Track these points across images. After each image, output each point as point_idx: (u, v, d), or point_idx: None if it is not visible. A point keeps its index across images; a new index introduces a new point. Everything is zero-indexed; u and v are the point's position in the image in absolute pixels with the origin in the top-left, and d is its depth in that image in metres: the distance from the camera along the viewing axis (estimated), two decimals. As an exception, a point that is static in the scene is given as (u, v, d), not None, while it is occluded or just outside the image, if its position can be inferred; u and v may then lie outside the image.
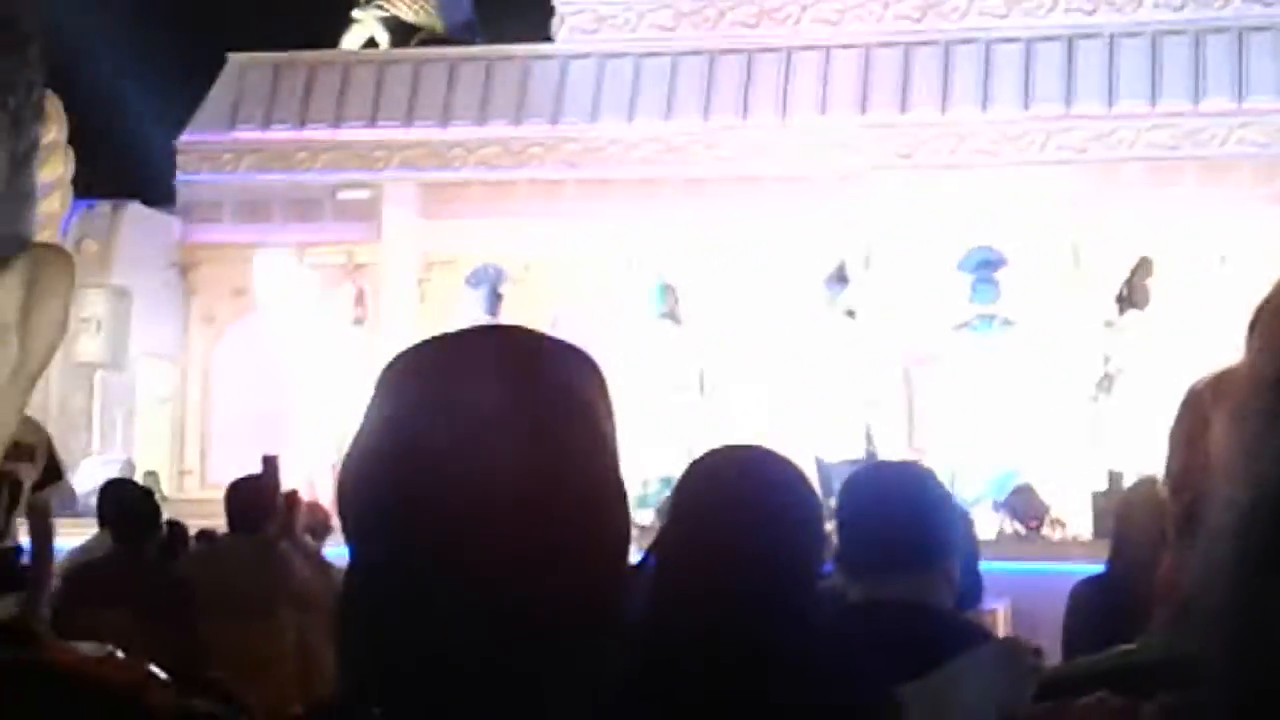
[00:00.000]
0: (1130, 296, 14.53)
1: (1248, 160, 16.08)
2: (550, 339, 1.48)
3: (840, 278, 15.12)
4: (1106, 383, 14.44)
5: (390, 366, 1.42)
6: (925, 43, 17.00)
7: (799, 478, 2.75)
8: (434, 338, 1.47)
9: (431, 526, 1.32)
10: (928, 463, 14.56)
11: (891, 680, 2.67)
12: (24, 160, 0.62)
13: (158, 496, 9.49)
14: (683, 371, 15.68)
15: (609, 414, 1.42)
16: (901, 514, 3.26)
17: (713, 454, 2.83)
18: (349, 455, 1.41)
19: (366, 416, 1.40)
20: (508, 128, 17.54)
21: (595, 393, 1.42)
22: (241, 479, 7.95)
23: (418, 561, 1.33)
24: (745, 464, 2.76)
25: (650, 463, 13.37)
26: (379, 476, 1.37)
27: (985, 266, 15.02)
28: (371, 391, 1.41)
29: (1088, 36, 16.77)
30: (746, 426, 14.50)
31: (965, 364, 15.14)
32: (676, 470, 3.03)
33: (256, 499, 7.83)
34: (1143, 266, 14.60)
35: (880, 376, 15.32)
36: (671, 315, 15.77)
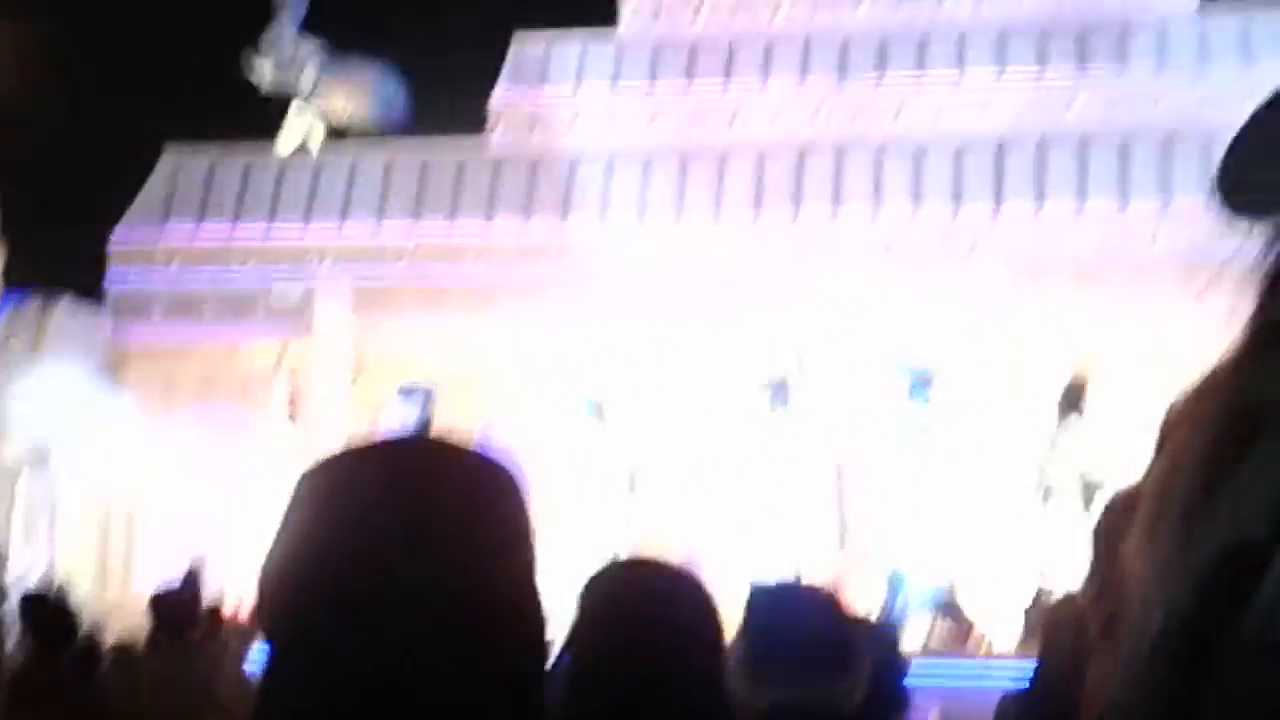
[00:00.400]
0: (1067, 405, 14.71)
1: (1175, 261, 16.26)
2: (469, 453, 1.49)
3: (780, 384, 15.25)
4: (1044, 493, 14.57)
5: (311, 475, 1.44)
6: (857, 144, 17.16)
7: (696, 586, 2.79)
8: (354, 449, 1.50)
9: (348, 630, 1.35)
10: (861, 568, 14.75)
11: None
12: None
13: (77, 604, 9.39)
14: (613, 473, 15.72)
15: (523, 522, 1.45)
16: (811, 625, 3.30)
17: (614, 567, 2.87)
18: (269, 560, 1.43)
19: (286, 523, 1.42)
20: (442, 225, 17.52)
21: (509, 503, 1.45)
22: (165, 589, 7.88)
23: (336, 662, 1.36)
24: (647, 577, 2.80)
25: (581, 563, 13.32)
26: (299, 582, 1.40)
27: (918, 378, 15.26)
28: (291, 498, 1.44)
29: (1018, 141, 16.99)
30: (677, 529, 14.54)
31: (899, 468, 15.25)
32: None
33: (178, 609, 7.77)
34: (1076, 383, 14.80)
35: (813, 479, 15.39)
36: (600, 419, 15.91)
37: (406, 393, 16.12)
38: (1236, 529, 0.51)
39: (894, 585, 14.32)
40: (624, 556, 3.00)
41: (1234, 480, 0.51)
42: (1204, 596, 0.51)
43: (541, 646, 1.47)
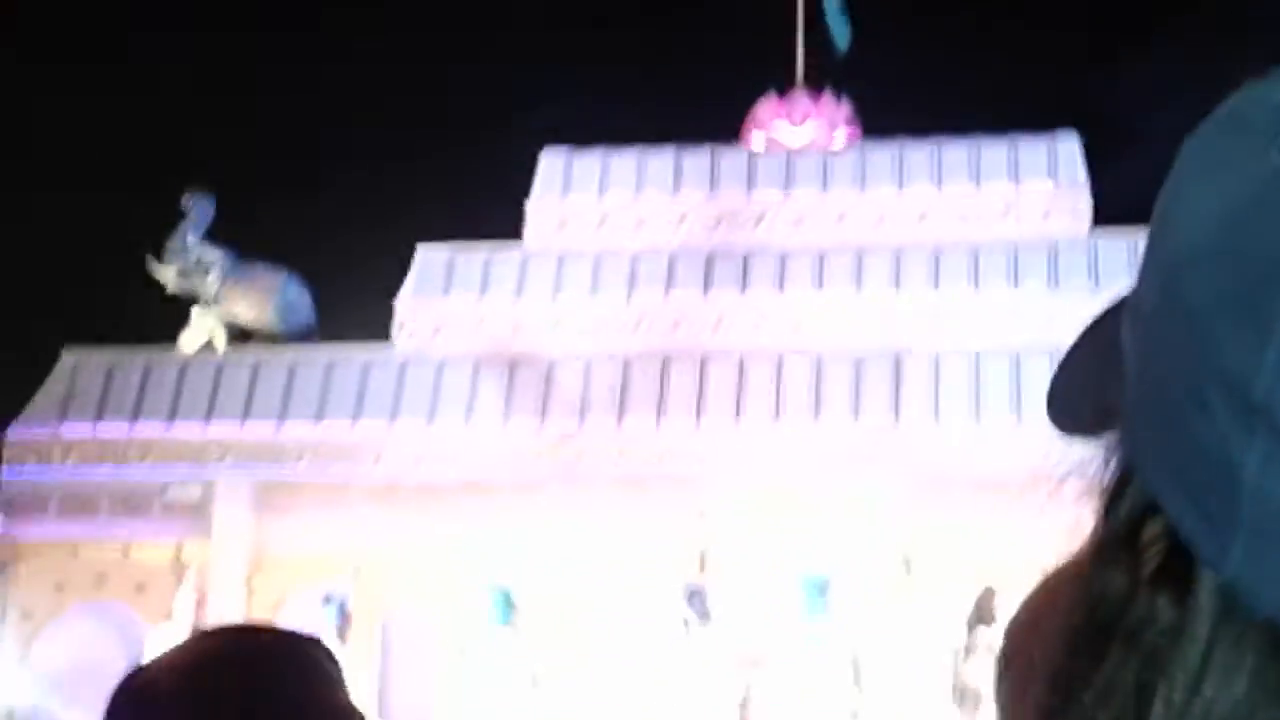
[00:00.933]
0: (978, 618, 14.82)
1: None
2: (280, 634, 1.66)
3: (697, 592, 15.37)
4: (960, 698, 14.59)
5: (140, 676, 1.56)
6: (760, 353, 17.41)
7: None
8: (178, 649, 1.62)
9: None
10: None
11: None
12: None
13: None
14: (519, 668, 15.65)
15: (332, 681, 1.58)
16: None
17: None
18: None
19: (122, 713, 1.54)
20: (345, 425, 17.53)
21: (316, 674, 1.58)
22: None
23: None
24: None
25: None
26: None
27: (814, 587, 15.44)
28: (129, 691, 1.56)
29: (914, 353, 17.29)
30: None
31: (800, 674, 15.30)
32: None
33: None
34: (986, 596, 14.95)
35: (721, 689, 15.36)
36: (512, 624, 15.92)
37: (327, 598, 16.14)
38: None
39: None
40: None
41: (1087, 691, 0.52)
42: None
43: None
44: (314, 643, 1.63)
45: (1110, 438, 0.53)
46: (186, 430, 17.69)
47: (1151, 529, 0.51)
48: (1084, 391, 0.55)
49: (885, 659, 15.42)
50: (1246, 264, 0.49)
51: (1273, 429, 0.47)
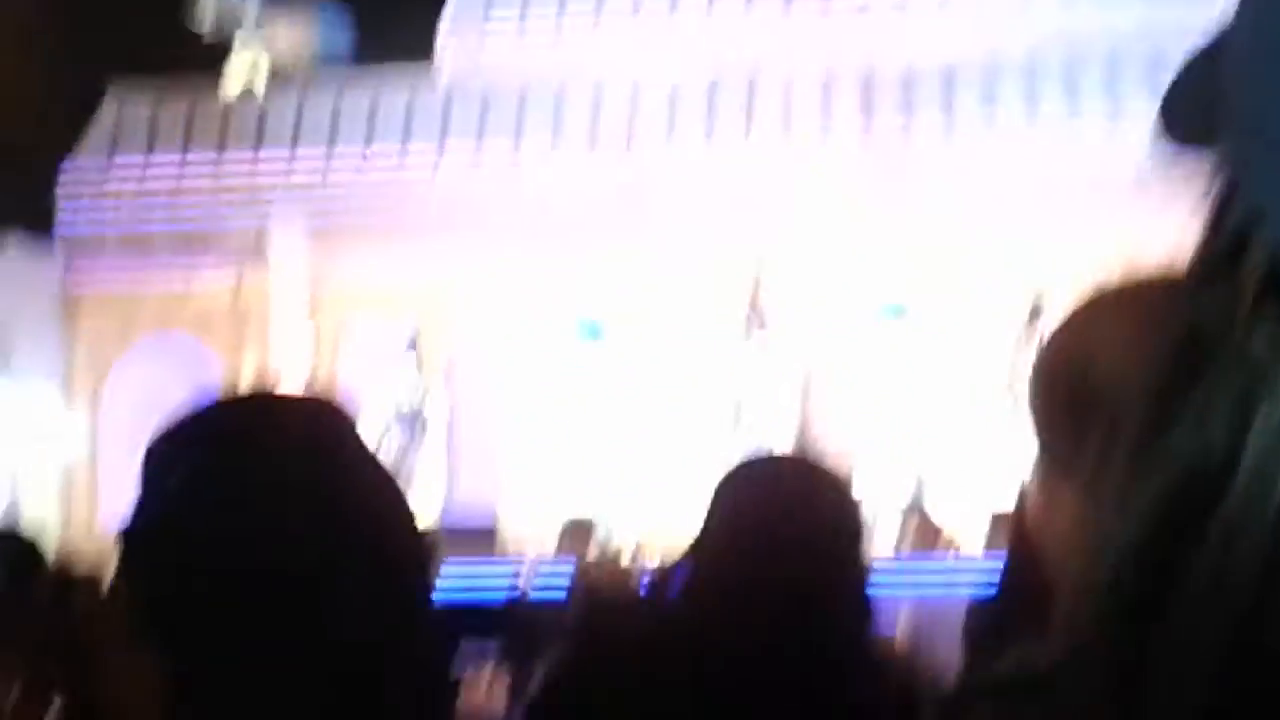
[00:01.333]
0: (1034, 316, 14.83)
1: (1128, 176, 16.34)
2: (305, 401, 1.67)
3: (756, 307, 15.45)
4: (1015, 398, 14.62)
5: (170, 432, 1.59)
6: (805, 73, 17.15)
7: (837, 482, 2.75)
8: (202, 411, 1.64)
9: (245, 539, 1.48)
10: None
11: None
12: None
13: (44, 541, 9.39)
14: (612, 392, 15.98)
15: (352, 446, 1.57)
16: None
17: (748, 464, 2.84)
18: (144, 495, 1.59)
19: (156, 466, 1.59)
20: (395, 155, 17.48)
21: (347, 438, 1.57)
22: (132, 524, 7.83)
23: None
24: (782, 471, 2.80)
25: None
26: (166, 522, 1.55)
27: (893, 313, 15.52)
28: (163, 444, 1.59)
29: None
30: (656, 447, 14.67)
31: (866, 377, 15.48)
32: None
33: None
34: (1041, 295, 14.93)
35: (784, 392, 15.55)
36: (596, 339, 16.13)
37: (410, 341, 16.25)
38: (1186, 462, 0.50)
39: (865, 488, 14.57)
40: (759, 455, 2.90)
41: (1183, 413, 0.51)
42: (1153, 535, 0.51)
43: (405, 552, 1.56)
44: (338, 414, 1.61)
45: (1220, 148, 0.50)
46: (237, 165, 17.65)
47: (1256, 249, 0.49)
48: (1187, 98, 0.52)
49: (948, 359, 15.52)
50: None
51: None
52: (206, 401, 1.63)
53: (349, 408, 1.60)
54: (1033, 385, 1.46)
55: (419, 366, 16.47)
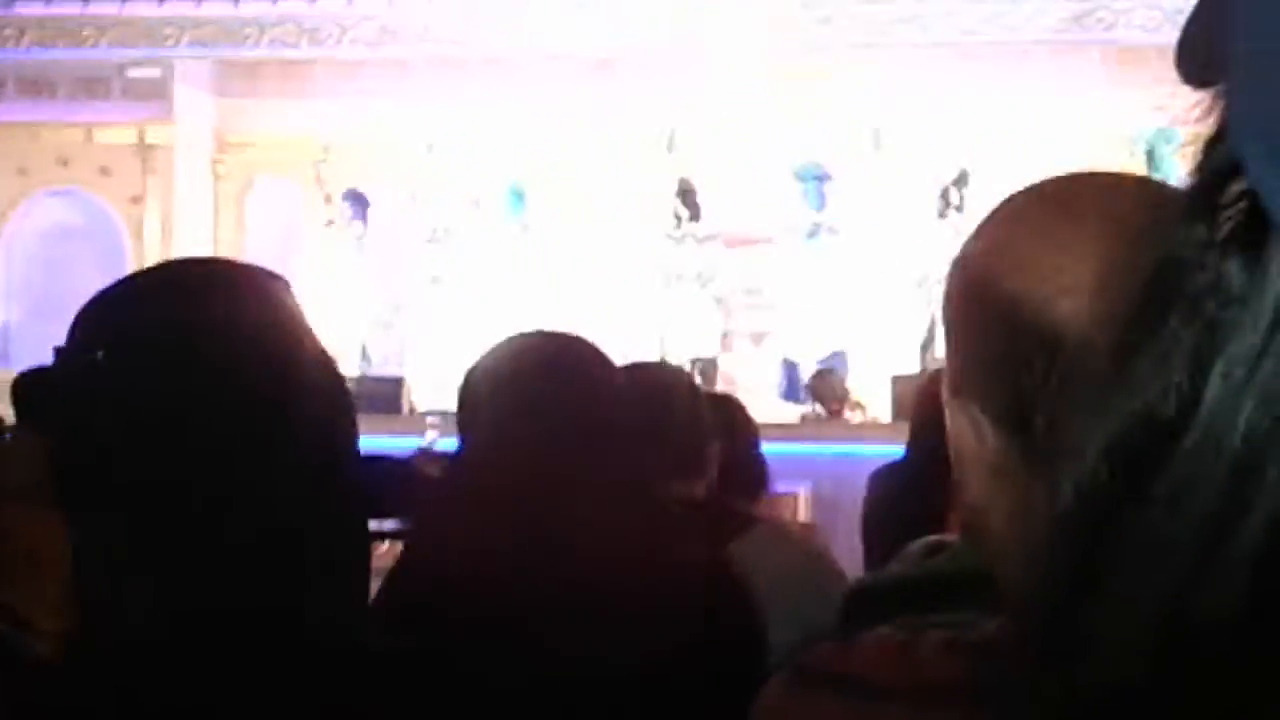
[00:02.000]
0: (952, 202, 14.86)
1: (1043, 46, 16.38)
2: (236, 265, 1.69)
3: (687, 194, 15.38)
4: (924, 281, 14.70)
5: (103, 298, 1.61)
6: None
7: (597, 356, 2.63)
8: (141, 273, 1.71)
9: (160, 441, 1.47)
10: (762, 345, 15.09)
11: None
12: None
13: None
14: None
15: (292, 306, 1.60)
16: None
17: (502, 344, 2.67)
18: (71, 366, 1.60)
19: (88, 334, 1.58)
20: (303, 4, 17.24)
21: (278, 304, 1.59)
22: (31, 370, 7.74)
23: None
24: (541, 351, 2.62)
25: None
26: (102, 397, 1.52)
27: (814, 179, 15.43)
28: (94, 311, 1.61)
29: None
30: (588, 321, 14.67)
31: (793, 261, 15.52)
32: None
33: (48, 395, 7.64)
34: (961, 178, 14.92)
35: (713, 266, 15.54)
36: (522, 222, 16.02)
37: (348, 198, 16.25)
38: (1143, 403, 0.49)
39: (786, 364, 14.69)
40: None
41: (1145, 351, 0.50)
42: (1099, 485, 0.50)
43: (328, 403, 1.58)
44: (269, 276, 1.63)
45: (1218, 88, 0.50)
46: (142, 8, 17.38)
47: (1233, 189, 0.50)
48: (1199, 38, 0.52)
49: (867, 245, 15.58)
50: None
51: None
52: (121, 280, 1.65)
53: (266, 277, 1.61)
54: (955, 312, 1.34)
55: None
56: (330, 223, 16.44)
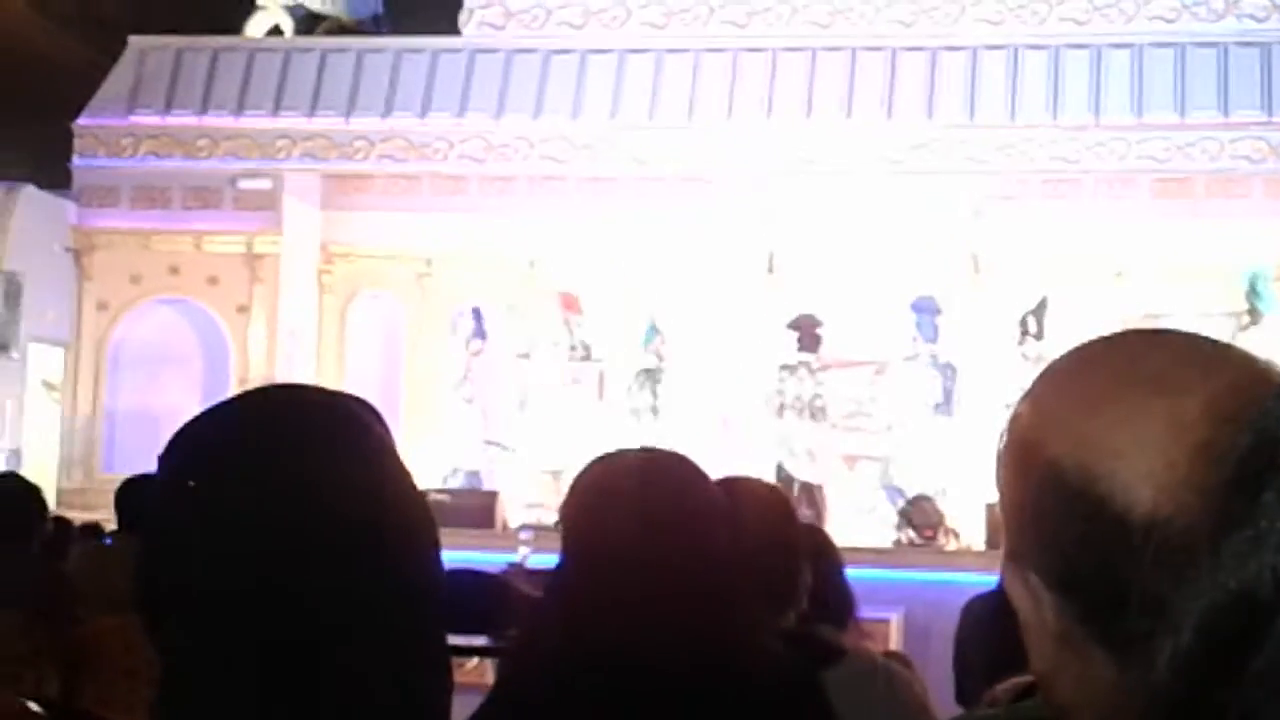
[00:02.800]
0: (1030, 330, 14.82)
1: (1146, 175, 16.29)
2: (326, 395, 1.66)
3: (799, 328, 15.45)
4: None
5: (193, 427, 1.61)
6: (830, 49, 17.07)
7: (697, 476, 2.64)
8: (234, 399, 1.69)
9: (251, 544, 1.47)
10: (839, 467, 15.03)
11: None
12: None
13: (45, 491, 9.35)
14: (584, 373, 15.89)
15: (382, 448, 1.58)
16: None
17: (602, 461, 2.69)
18: (162, 493, 1.58)
19: (177, 463, 1.58)
20: (413, 120, 17.44)
21: (365, 435, 1.58)
22: (135, 477, 7.81)
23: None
24: (643, 469, 2.63)
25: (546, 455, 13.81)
26: (189, 524, 1.52)
27: (929, 312, 15.44)
28: (184, 439, 1.60)
29: (992, 48, 16.89)
30: (643, 432, 14.59)
31: (901, 387, 15.46)
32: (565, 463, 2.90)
33: (143, 497, 7.71)
34: (1040, 306, 14.91)
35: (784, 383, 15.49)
36: (656, 354, 16.04)
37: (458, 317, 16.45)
38: (1237, 585, 0.50)
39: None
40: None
41: (1239, 533, 0.51)
42: (1204, 650, 0.52)
43: (419, 523, 1.58)
44: (361, 405, 1.62)
45: None
46: (254, 122, 17.65)
47: None
48: None
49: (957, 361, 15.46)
50: None
51: None
52: (231, 397, 1.68)
53: (357, 407, 1.61)
54: (1006, 474, 1.25)
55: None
56: (460, 335, 16.64)
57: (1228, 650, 0.49)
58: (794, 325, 15.39)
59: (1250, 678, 0.48)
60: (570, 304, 16.33)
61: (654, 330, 16.10)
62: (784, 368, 15.45)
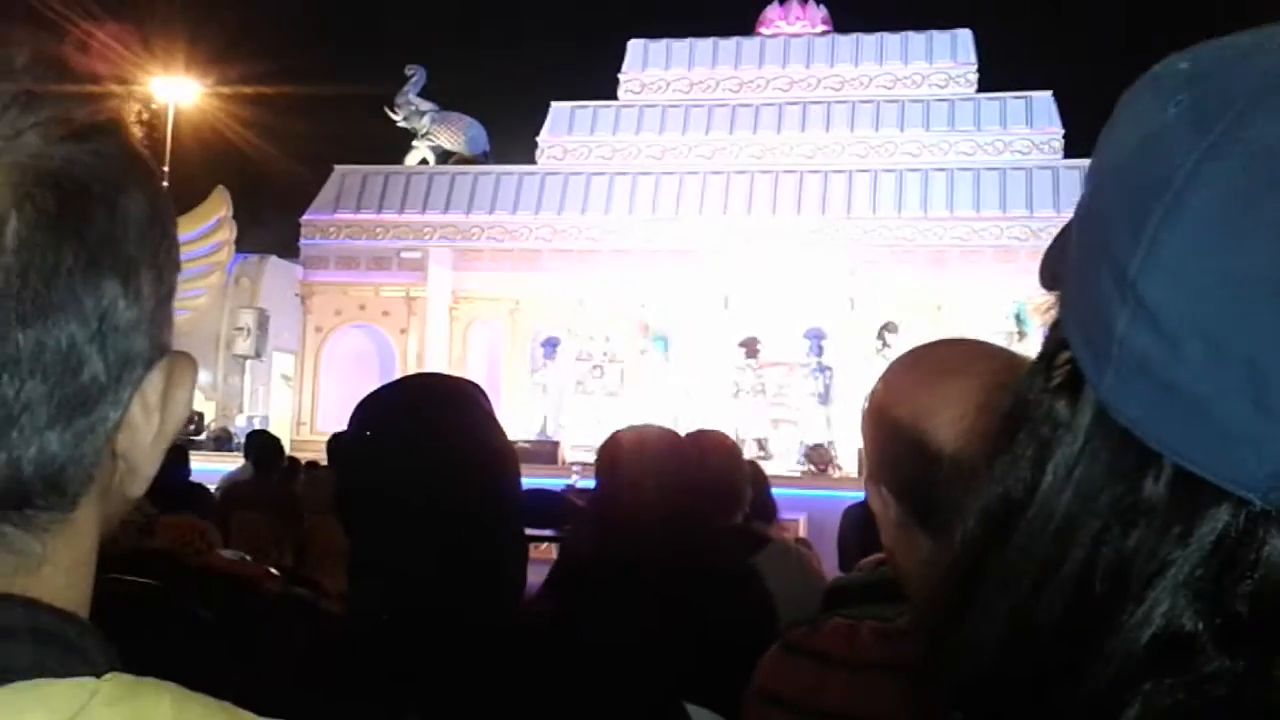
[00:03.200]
0: (885, 341, 14.76)
1: (955, 248, 16.17)
2: (450, 378, 1.59)
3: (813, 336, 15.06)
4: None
5: (368, 399, 1.52)
6: (764, 171, 16.94)
7: (675, 438, 2.60)
8: (397, 381, 1.62)
9: (407, 469, 1.42)
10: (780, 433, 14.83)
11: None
12: (166, 297, 0.57)
13: (283, 441, 9.37)
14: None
15: (488, 412, 1.51)
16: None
17: (622, 430, 2.64)
18: (348, 440, 1.51)
19: (358, 420, 1.50)
20: (506, 215, 17.45)
21: (477, 403, 1.51)
22: (337, 433, 7.78)
23: (404, 490, 1.43)
24: (642, 434, 2.59)
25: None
26: (367, 457, 1.48)
27: (816, 337, 15.27)
28: (362, 406, 1.52)
29: (861, 171, 16.77)
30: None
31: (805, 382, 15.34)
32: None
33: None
34: (889, 325, 14.85)
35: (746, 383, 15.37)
36: (665, 357, 15.65)
37: (547, 342, 16.11)
38: (1001, 488, 0.49)
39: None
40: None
41: (1004, 456, 0.50)
42: (972, 542, 0.49)
43: (512, 473, 1.50)
44: (473, 386, 1.56)
45: (1058, 293, 0.51)
46: (411, 216, 17.64)
47: (1063, 356, 0.49)
48: (1051, 261, 0.52)
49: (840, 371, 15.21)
50: (1136, 182, 0.45)
51: (1137, 299, 0.44)
52: (379, 388, 1.59)
53: (465, 385, 1.56)
54: (866, 426, 1.26)
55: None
56: (537, 349, 16.43)
57: (995, 530, 0.48)
58: (743, 344, 15.37)
59: (1009, 547, 0.47)
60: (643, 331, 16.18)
61: (666, 344, 15.97)
62: (737, 368, 15.39)
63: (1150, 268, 0.43)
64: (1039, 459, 0.48)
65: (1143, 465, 0.45)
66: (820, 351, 15.37)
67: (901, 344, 14.23)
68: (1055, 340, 0.50)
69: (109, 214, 0.53)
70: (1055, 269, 0.51)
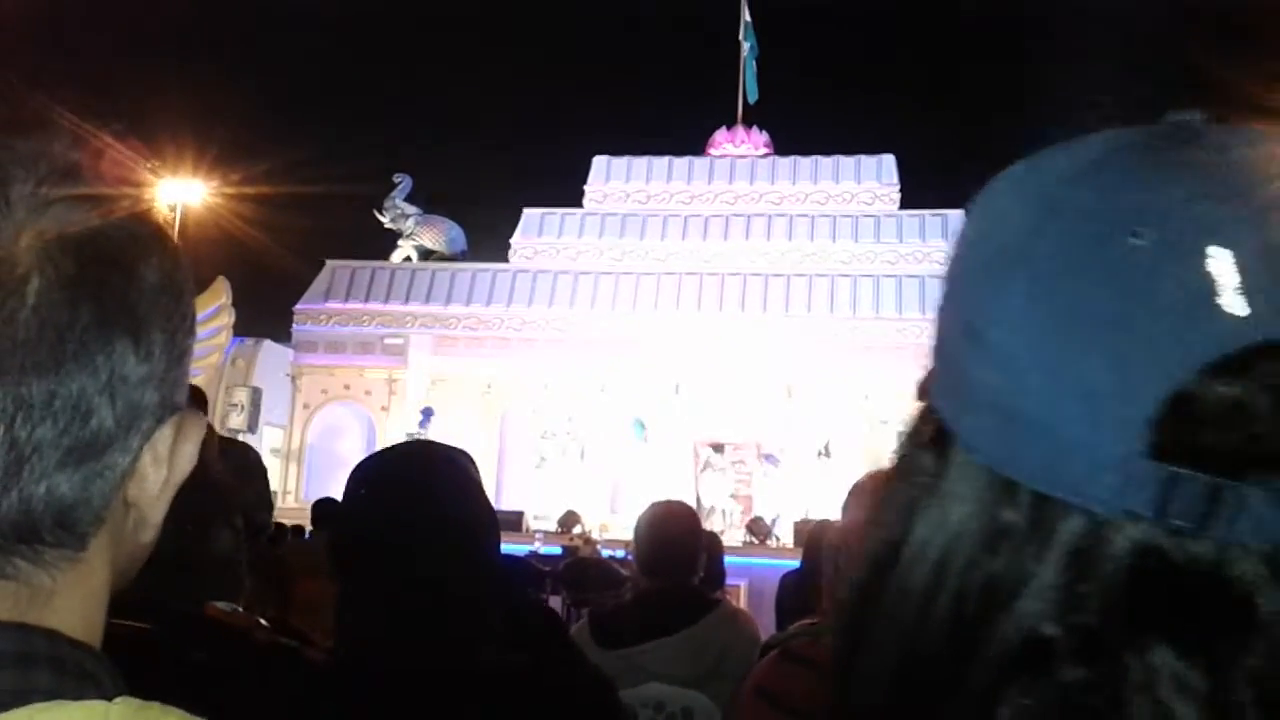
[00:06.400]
0: (822, 450, 14.76)
1: (880, 343, 16.32)
2: (443, 446, 1.54)
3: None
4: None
5: (367, 460, 1.51)
6: (711, 273, 17.09)
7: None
8: (395, 445, 1.57)
9: (399, 524, 1.41)
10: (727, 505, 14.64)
11: (667, 629, 2.65)
12: (179, 359, 0.56)
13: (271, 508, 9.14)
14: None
15: (476, 476, 1.49)
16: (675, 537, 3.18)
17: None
18: (347, 494, 1.48)
19: (357, 479, 1.47)
20: (480, 308, 17.45)
21: (464, 468, 1.49)
22: (322, 498, 7.69)
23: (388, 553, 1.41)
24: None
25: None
26: (363, 510, 1.45)
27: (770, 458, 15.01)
28: (362, 466, 1.50)
29: (777, 275, 16.95)
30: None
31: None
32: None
33: (331, 511, 7.57)
34: (826, 447, 14.83)
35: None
36: (645, 439, 15.38)
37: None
38: (882, 538, 0.50)
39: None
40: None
41: (889, 506, 0.51)
42: (864, 583, 0.50)
43: (492, 539, 1.48)
44: (463, 454, 1.54)
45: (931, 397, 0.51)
46: (394, 306, 17.59)
47: (931, 418, 0.49)
48: (923, 384, 0.52)
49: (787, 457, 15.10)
50: (984, 255, 0.46)
51: (985, 345, 0.45)
52: (377, 451, 1.58)
53: (456, 453, 1.55)
54: (814, 544, 1.39)
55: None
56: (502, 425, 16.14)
57: (881, 571, 0.49)
58: (710, 442, 15.32)
59: (891, 587, 0.48)
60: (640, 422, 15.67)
61: (642, 427, 15.66)
62: (698, 450, 15.32)
63: (996, 319, 0.45)
64: (913, 505, 0.48)
65: (1002, 497, 0.45)
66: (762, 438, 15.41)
67: (838, 450, 14.37)
68: (925, 406, 0.51)
69: (125, 279, 0.52)
70: (924, 386, 0.52)
